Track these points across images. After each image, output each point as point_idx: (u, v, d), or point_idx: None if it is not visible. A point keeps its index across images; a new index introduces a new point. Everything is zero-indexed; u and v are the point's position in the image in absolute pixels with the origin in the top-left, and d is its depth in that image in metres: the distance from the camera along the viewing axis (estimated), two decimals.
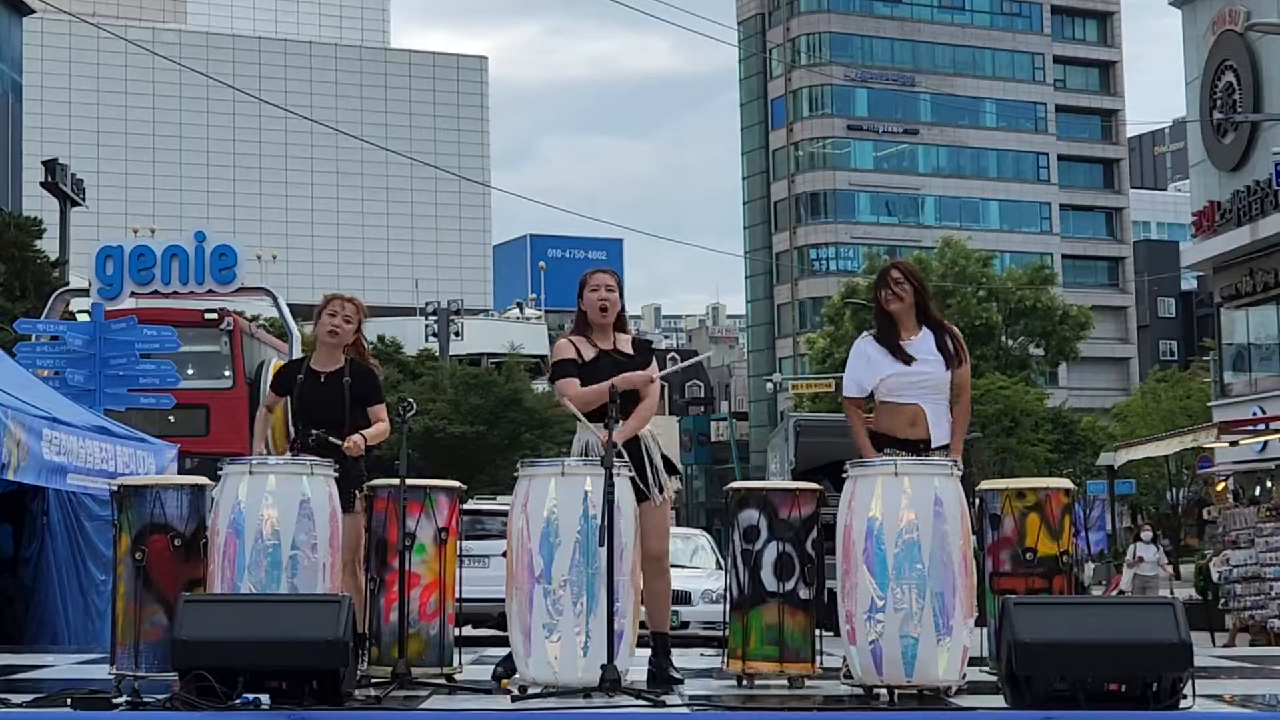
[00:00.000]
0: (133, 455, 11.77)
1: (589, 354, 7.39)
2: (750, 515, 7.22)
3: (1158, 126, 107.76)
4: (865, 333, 7.56)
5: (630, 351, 7.45)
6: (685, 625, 15.55)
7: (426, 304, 62.23)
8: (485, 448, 43.26)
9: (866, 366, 7.36)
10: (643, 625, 7.21)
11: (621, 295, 7.46)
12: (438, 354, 56.71)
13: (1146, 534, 22.82)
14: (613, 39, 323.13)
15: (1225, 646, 17.62)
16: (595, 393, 7.16)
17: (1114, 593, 23.58)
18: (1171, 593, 19.46)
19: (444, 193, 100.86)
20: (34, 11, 48.77)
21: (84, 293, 20.27)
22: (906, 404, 7.26)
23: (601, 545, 6.52)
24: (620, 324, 7.54)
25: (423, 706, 6.56)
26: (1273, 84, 36.27)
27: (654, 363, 7.51)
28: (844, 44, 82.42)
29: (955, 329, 7.53)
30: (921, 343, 7.35)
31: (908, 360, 7.26)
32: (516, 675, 6.82)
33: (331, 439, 7.57)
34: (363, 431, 7.66)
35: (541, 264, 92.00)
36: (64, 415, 10.89)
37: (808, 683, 7.21)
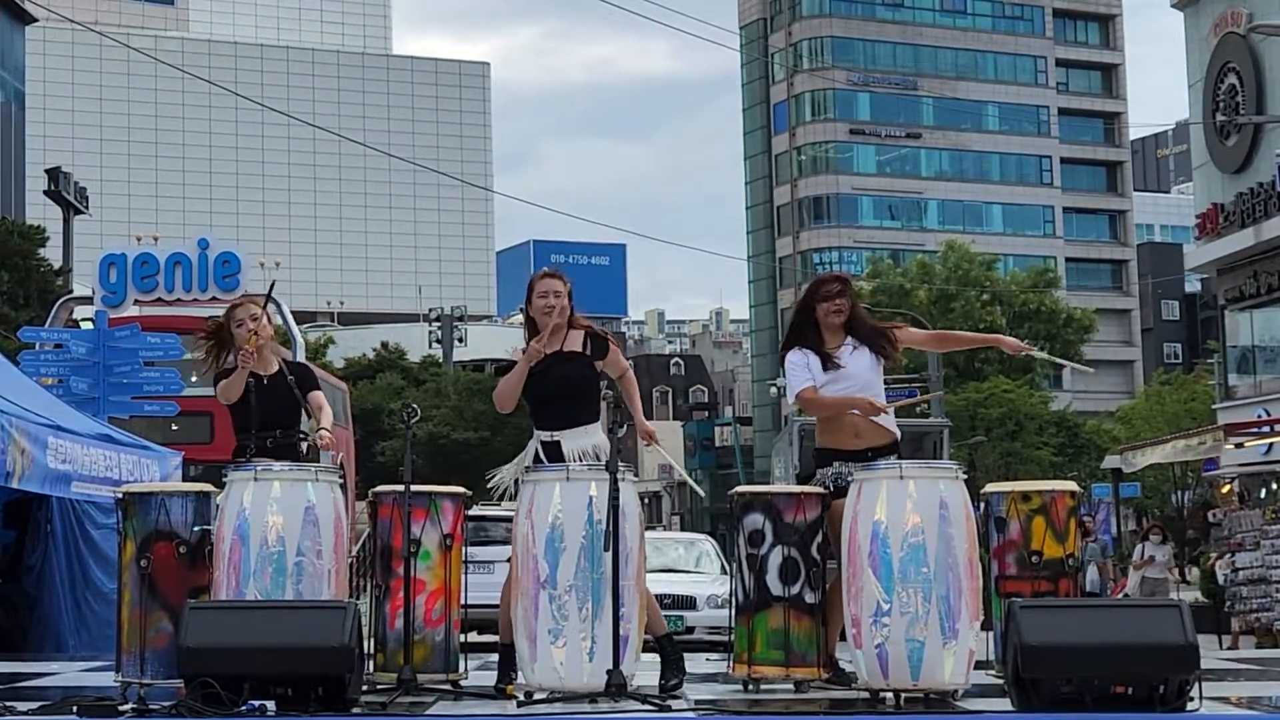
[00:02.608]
0: (137, 463, 11.78)
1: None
2: (755, 519, 7.20)
3: (1160, 129, 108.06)
4: (796, 348, 7.47)
5: (578, 348, 7.38)
6: (690, 630, 15.52)
7: (430, 310, 62.32)
8: (489, 453, 43.27)
9: (807, 369, 7.39)
10: (647, 631, 7.19)
11: (570, 297, 7.40)
12: (441, 360, 56.77)
13: (1156, 536, 22.78)
14: (612, 42, 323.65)
15: (1230, 649, 17.58)
16: (509, 383, 7.30)
17: (1119, 595, 23.53)
18: (1179, 595, 19.43)
19: (447, 199, 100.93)
20: (36, 20, 48.88)
21: (88, 300, 20.28)
22: (844, 415, 7.30)
23: (607, 550, 6.51)
24: (572, 321, 7.44)
25: (428, 713, 6.56)
26: (1276, 86, 36.22)
27: (612, 350, 7.43)
28: (846, 48, 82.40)
29: (886, 329, 7.53)
30: (848, 352, 7.39)
31: (838, 368, 7.32)
32: (521, 681, 6.81)
33: (292, 437, 7.83)
34: (323, 425, 7.87)
35: None
36: (68, 423, 10.90)
37: (813, 686, 7.20)
